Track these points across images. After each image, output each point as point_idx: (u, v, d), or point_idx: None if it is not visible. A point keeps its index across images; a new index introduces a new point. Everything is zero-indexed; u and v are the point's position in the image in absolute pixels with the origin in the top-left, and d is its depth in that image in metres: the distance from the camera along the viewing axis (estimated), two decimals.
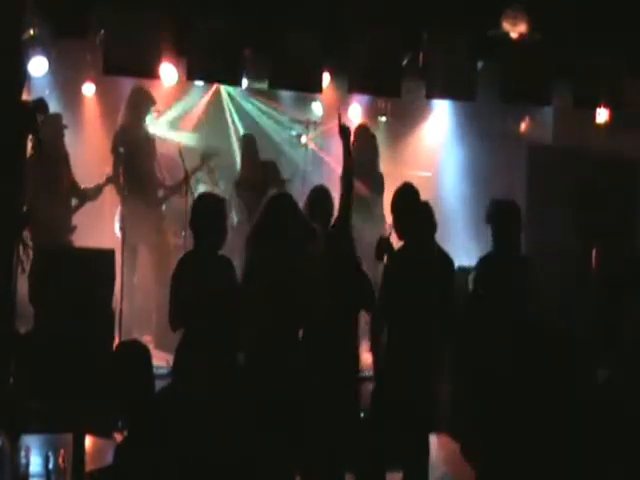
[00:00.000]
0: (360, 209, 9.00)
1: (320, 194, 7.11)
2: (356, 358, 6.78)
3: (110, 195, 9.98)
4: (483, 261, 6.91)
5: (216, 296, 6.17)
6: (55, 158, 9.47)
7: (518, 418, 6.41)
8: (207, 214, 6.37)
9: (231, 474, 5.93)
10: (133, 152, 9.78)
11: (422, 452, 6.60)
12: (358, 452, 6.57)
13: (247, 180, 10.03)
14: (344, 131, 6.86)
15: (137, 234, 9.64)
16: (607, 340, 7.63)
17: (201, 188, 10.28)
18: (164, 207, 10.23)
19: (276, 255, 6.37)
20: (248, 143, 10.38)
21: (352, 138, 10.46)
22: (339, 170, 10.96)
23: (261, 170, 10.00)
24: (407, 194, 6.85)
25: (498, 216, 6.91)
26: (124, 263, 9.42)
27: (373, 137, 10.64)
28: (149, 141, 10.09)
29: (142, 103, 10.02)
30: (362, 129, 10.56)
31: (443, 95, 9.81)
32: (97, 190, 9.76)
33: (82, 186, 9.75)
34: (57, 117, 9.61)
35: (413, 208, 6.76)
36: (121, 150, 9.72)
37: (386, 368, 6.61)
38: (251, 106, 11.53)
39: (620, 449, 6.43)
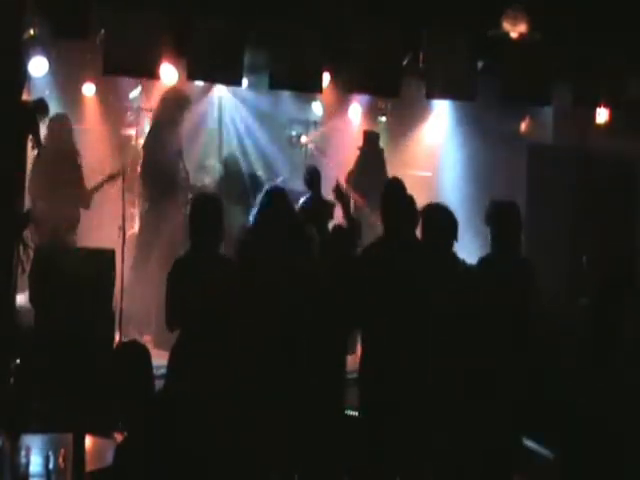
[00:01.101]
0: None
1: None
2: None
3: (110, 195, 9.98)
4: (482, 262, 6.90)
5: (212, 296, 6.17)
6: (59, 159, 9.46)
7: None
8: (204, 214, 6.37)
9: (230, 474, 5.93)
10: (164, 152, 9.76)
11: (421, 453, 6.60)
12: (354, 453, 6.57)
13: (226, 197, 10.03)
14: (341, 196, 6.95)
15: (156, 234, 9.64)
16: (607, 340, 7.63)
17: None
18: None
19: (272, 255, 6.41)
20: (232, 164, 10.33)
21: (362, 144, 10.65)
22: (338, 170, 11.12)
23: (243, 185, 10.00)
24: (392, 189, 6.90)
25: (497, 217, 6.90)
26: (136, 262, 9.43)
27: (381, 151, 10.77)
28: (179, 142, 10.05)
29: (179, 105, 9.97)
30: (371, 137, 10.70)
31: (443, 95, 9.82)
32: (97, 188, 9.76)
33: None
34: (63, 117, 9.63)
35: (396, 203, 6.77)
36: (151, 149, 9.71)
37: (368, 368, 6.60)
38: (251, 106, 11.53)
39: (621, 454, 6.44)
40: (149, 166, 9.76)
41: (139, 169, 9.92)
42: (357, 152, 10.98)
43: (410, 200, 6.86)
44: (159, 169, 9.71)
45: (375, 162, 10.63)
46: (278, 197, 6.78)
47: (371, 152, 10.71)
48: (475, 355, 6.52)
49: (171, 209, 9.74)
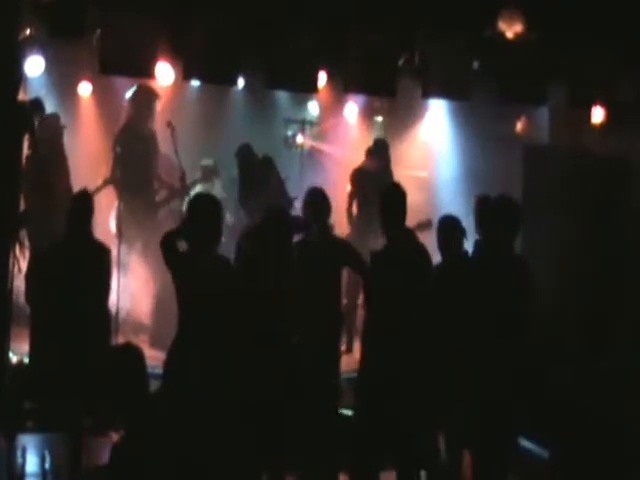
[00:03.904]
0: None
1: (316, 196, 7.20)
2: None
3: (106, 197, 9.98)
4: (477, 260, 6.86)
5: (211, 296, 6.18)
6: (51, 159, 9.46)
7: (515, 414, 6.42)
8: (203, 215, 6.37)
9: (225, 473, 5.94)
10: (133, 151, 9.79)
11: (414, 451, 6.62)
12: (350, 451, 6.59)
13: (250, 189, 10.11)
14: None
15: (133, 233, 9.64)
16: (606, 339, 7.65)
17: (197, 188, 10.30)
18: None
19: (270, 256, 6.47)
20: (247, 153, 10.38)
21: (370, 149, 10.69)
22: (334, 170, 11.10)
23: (260, 171, 10.09)
24: (393, 194, 6.91)
25: (493, 214, 6.87)
26: (119, 262, 9.43)
27: (389, 160, 10.81)
28: (151, 140, 10.07)
29: (146, 100, 10.02)
30: (380, 145, 10.73)
31: (439, 95, 9.82)
32: (94, 193, 9.76)
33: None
34: (55, 117, 9.61)
35: (397, 208, 6.80)
36: (118, 149, 9.75)
37: (371, 365, 6.63)
38: (247, 106, 11.52)
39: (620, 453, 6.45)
40: (118, 163, 9.82)
41: (110, 172, 9.92)
42: (362, 155, 10.95)
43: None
44: (129, 167, 9.76)
45: (381, 171, 10.60)
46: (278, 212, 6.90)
47: (379, 160, 10.66)
48: (474, 354, 6.52)
49: (145, 206, 9.78)
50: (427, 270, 6.79)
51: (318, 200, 7.20)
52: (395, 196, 6.88)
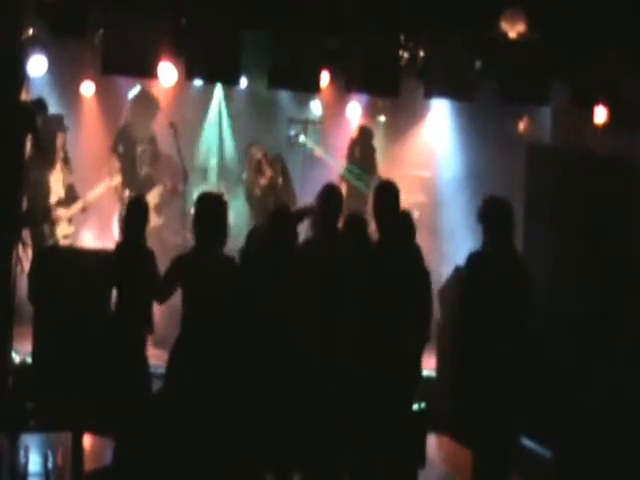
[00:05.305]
0: None
1: (330, 193, 7.15)
2: None
3: (109, 197, 10.00)
4: (475, 258, 6.85)
5: (214, 297, 6.19)
6: (52, 159, 9.49)
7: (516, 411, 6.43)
8: (209, 215, 6.38)
9: (227, 473, 5.95)
10: (134, 152, 9.81)
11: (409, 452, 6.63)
12: (349, 449, 6.60)
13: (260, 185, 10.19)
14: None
15: None
16: (607, 339, 7.65)
17: (201, 188, 10.31)
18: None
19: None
20: (256, 149, 10.50)
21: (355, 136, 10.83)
22: (337, 169, 11.17)
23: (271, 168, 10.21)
24: (385, 192, 6.90)
25: (491, 213, 6.88)
26: None
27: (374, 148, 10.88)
28: (151, 143, 10.11)
29: (146, 105, 10.06)
30: (365, 132, 10.80)
31: (441, 95, 9.82)
32: (96, 195, 9.81)
33: (82, 190, 9.82)
34: (58, 117, 9.63)
35: (390, 207, 6.79)
36: (120, 150, 9.77)
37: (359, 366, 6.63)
38: (249, 105, 11.53)
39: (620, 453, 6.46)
40: (118, 164, 9.88)
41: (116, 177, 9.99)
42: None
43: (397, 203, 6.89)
44: (129, 168, 9.80)
45: (366, 157, 10.73)
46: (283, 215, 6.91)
47: (364, 147, 10.80)
48: (473, 353, 6.53)
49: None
50: (421, 268, 6.79)
51: (332, 198, 7.09)
52: (387, 194, 6.87)
